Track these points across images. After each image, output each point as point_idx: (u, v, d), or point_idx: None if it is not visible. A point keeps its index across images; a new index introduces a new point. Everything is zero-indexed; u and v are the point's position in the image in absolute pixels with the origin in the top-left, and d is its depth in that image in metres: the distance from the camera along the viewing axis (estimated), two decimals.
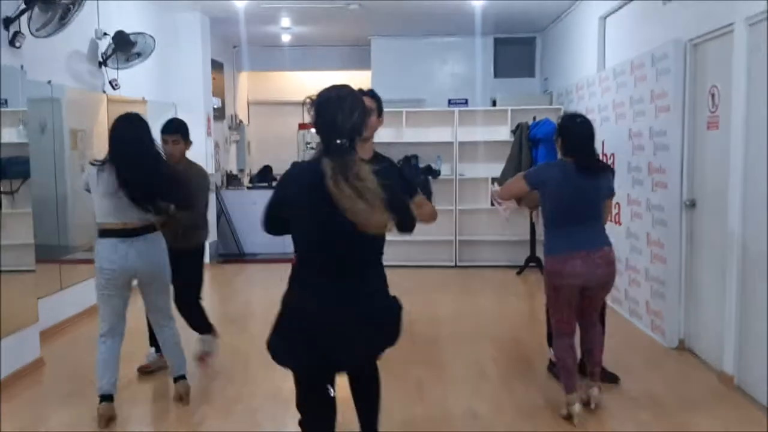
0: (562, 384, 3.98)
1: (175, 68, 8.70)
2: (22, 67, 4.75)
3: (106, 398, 3.95)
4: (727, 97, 4.52)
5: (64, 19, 4.66)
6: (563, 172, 3.88)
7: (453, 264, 8.91)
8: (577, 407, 3.87)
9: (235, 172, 11.39)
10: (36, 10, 4.43)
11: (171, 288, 4.26)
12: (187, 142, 4.72)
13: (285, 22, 9.96)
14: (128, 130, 3.95)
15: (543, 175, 3.98)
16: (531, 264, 8.47)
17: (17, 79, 4.70)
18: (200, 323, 4.84)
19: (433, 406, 4.20)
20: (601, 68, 7.28)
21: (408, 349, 4.33)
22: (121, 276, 3.91)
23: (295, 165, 2.82)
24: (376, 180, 2.50)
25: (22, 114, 4.98)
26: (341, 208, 2.48)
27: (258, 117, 13.12)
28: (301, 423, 2.90)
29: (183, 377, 4.28)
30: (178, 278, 4.34)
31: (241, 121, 12.22)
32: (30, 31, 4.58)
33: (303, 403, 2.84)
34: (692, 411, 4.11)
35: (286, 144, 12.37)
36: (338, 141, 2.59)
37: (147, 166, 3.88)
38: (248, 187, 10.91)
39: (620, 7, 6.72)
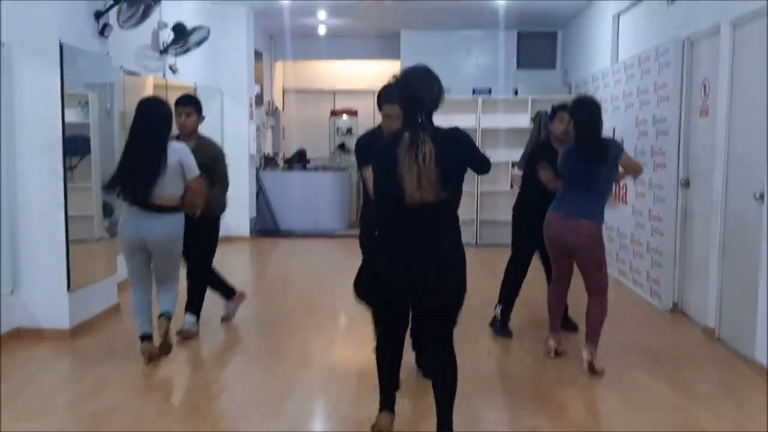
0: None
1: (222, 57, 9.47)
2: (108, 53, 5.55)
3: (146, 338, 4.54)
4: (715, 88, 5.18)
5: (146, 13, 5.44)
6: (569, 155, 4.50)
7: (474, 243, 9.62)
8: (551, 343, 4.75)
9: (271, 154, 12.18)
10: (125, 5, 5.23)
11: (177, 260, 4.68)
12: (200, 117, 4.97)
13: (321, 14, 10.68)
14: (140, 121, 4.34)
15: (562, 160, 4.59)
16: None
17: (105, 64, 5.52)
18: (219, 288, 5.47)
19: (457, 347, 4.93)
20: (614, 61, 7.94)
21: None
22: (131, 243, 4.43)
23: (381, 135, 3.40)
24: (432, 162, 2.92)
25: (80, 96, 5.45)
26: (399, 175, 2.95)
27: (292, 104, 13.88)
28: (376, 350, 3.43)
29: (167, 313, 4.61)
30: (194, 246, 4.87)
31: (277, 108, 13.00)
32: (118, 23, 5.39)
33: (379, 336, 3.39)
34: (676, 355, 4.85)
35: (319, 130, 13.13)
36: (418, 116, 3.03)
37: (148, 165, 4.27)
38: (283, 169, 11.68)
39: (632, 6, 7.38)
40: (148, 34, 7.30)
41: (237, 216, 10.06)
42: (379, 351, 3.43)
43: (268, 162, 11.58)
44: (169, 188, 4.37)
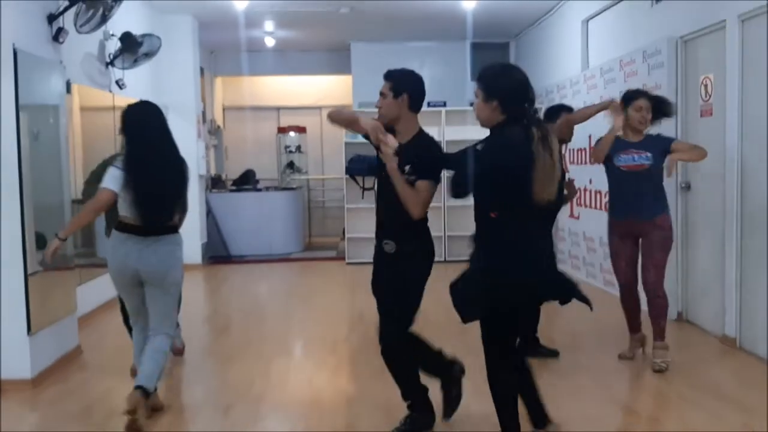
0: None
1: (167, 71, 8.81)
2: (61, 62, 4.91)
3: (140, 389, 3.60)
4: (721, 86, 5.00)
5: (105, 16, 4.84)
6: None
7: (443, 259, 9.24)
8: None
9: (216, 175, 11.53)
10: (83, 7, 4.61)
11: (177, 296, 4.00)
12: None
13: (268, 25, 10.11)
14: (145, 128, 3.80)
15: None
16: None
17: (59, 73, 4.85)
18: None
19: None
20: (585, 68, 7.77)
21: None
22: (121, 274, 3.77)
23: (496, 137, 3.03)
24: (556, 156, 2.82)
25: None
26: (535, 173, 2.80)
27: (233, 122, 13.22)
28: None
29: (142, 389, 3.62)
30: None
31: (218, 126, 12.36)
32: (75, 26, 4.76)
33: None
34: (702, 366, 4.61)
35: (263, 148, 12.57)
36: (534, 108, 2.96)
37: (170, 179, 3.80)
38: (231, 190, 11.06)
39: (604, 10, 7.22)
40: (94, 44, 6.64)
41: (188, 242, 9.29)
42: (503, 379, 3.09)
43: (216, 183, 10.95)
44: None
